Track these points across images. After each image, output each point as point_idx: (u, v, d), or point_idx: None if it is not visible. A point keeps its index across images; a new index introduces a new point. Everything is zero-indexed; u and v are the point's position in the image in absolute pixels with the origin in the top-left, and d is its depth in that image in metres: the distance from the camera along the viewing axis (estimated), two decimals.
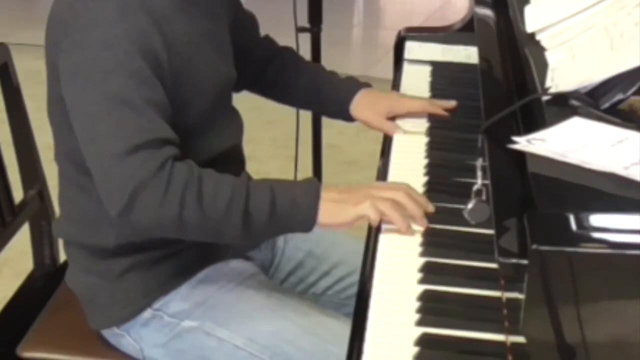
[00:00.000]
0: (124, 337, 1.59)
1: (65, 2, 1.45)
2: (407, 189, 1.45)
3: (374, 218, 1.40)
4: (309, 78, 1.84)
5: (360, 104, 1.80)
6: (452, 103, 1.81)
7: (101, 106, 1.38)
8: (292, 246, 1.75)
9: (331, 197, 1.41)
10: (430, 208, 1.44)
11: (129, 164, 1.36)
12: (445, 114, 1.80)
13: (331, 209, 1.41)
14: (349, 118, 1.83)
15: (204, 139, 1.57)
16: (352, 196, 1.42)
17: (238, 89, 1.79)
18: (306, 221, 1.41)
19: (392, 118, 1.79)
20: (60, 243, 1.89)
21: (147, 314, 1.57)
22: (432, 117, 1.80)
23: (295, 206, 1.40)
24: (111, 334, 1.61)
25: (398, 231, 1.40)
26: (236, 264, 1.61)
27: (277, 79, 1.84)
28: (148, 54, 1.41)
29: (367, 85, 1.85)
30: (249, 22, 1.83)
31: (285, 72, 1.84)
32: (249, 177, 1.42)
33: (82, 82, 1.41)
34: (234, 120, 1.71)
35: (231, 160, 1.67)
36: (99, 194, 1.40)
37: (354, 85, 1.83)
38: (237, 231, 1.40)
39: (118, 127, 1.37)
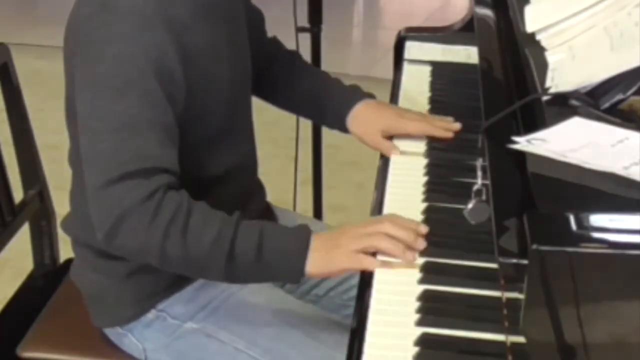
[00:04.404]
0: (126, 337, 1.59)
1: (85, 13, 1.42)
2: (391, 219, 1.39)
3: (363, 267, 1.35)
4: (309, 84, 1.79)
5: (357, 119, 1.72)
6: (455, 125, 1.70)
7: (105, 124, 1.37)
8: None
9: (320, 247, 1.36)
10: (422, 229, 1.39)
11: (117, 190, 1.34)
12: (447, 134, 1.69)
13: (320, 260, 1.36)
14: (345, 130, 1.75)
15: (225, 146, 1.56)
16: (341, 242, 1.37)
17: None
18: (294, 272, 1.37)
19: (390, 137, 1.71)
20: (61, 243, 1.89)
21: (151, 314, 1.57)
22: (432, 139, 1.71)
23: (283, 256, 1.36)
24: (114, 334, 1.61)
25: (396, 264, 1.34)
26: None
27: (278, 82, 1.80)
28: (163, 73, 1.39)
29: (369, 95, 1.76)
30: (256, 19, 1.80)
31: (285, 75, 1.80)
32: (240, 217, 1.37)
33: (91, 96, 1.39)
34: (251, 125, 1.70)
35: (247, 166, 1.67)
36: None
37: (354, 96, 1.75)
38: (221, 272, 1.37)
39: (116, 150, 1.35)
